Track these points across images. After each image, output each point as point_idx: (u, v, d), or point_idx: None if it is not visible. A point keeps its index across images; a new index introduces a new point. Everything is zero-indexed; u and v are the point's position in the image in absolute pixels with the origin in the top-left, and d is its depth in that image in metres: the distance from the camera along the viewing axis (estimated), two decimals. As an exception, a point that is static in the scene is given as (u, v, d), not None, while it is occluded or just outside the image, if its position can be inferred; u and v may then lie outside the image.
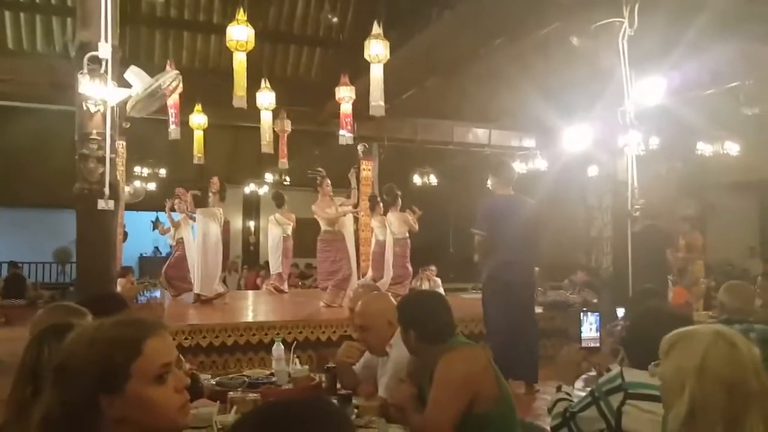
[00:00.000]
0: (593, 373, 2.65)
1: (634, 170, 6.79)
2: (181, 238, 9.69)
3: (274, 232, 10.63)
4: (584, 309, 2.65)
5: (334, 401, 2.63)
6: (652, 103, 7.43)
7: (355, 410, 2.60)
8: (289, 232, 10.58)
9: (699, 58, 8.01)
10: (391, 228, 9.27)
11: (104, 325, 1.33)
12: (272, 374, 3.27)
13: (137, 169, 14.51)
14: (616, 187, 6.96)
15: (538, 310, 8.29)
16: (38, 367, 1.64)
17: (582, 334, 2.56)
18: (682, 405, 1.40)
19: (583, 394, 2.35)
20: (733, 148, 10.74)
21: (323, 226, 8.31)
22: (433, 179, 14.68)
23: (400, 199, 9.42)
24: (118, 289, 10.93)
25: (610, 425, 2.16)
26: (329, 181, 8.45)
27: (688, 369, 1.42)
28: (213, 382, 3.18)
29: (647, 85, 7.22)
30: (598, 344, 2.57)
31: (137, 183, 14.50)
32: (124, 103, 5.91)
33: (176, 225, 9.84)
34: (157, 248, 19.35)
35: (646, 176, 7.13)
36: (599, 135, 7.61)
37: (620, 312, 4.12)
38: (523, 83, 11.59)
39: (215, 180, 8.96)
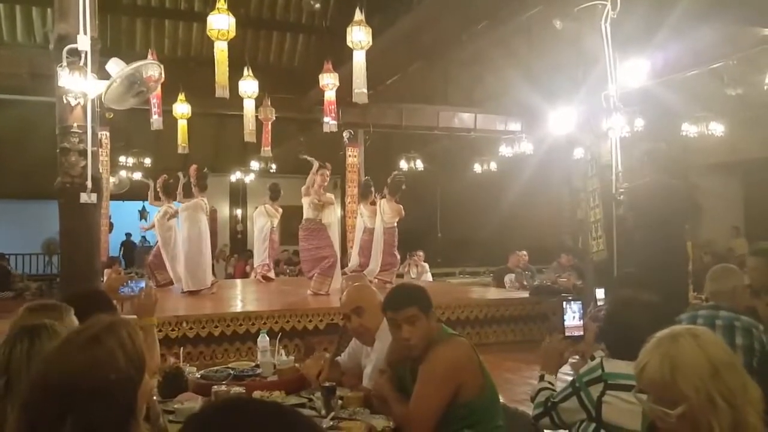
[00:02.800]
0: (578, 358, 2.66)
1: (618, 153, 6.80)
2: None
3: (261, 221, 10.60)
4: (568, 297, 2.63)
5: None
6: (635, 85, 7.44)
7: (340, 401, 2.61)
8: (276, 224, 10.55)
9: (682, 39, 8.01)
10: (383, 217, 9.27)
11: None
12: (257, 366, 3.27)
13: (122, 159, 14.39)
14: (601, 170, 6.97)
15: (524, 294, 8.35)
16: (10, 362, 1.68)
17: (565, 323, 2.56)
18: (722, 414, 1.40)
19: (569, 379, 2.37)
20: (717, 128, 10.80)
21: (306, 213, 8.29)
22: (419, 164, 14.66)
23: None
24: (104, 279, 10.95)
25: (590, 415, 2.19)
26: (326, 172, 8.47)
27: (705, 380, 1.41)
28: (198, 375, 3.18)
29: (631, 68, 7.22)
30: (581, 333, 2.57)
31: (122, 173, 14.38)
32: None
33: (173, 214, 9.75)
34: (144, 237, 19.23)
35: (630, 159, 7.15)
36: (583, 118, 7.62)
37: (599, 293, 4.09)
38: (508, 67, 11.59)
39: (191, 170, 8.86)
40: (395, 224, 9.24)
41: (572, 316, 2.59)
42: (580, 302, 2.64)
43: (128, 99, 5.72)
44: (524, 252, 10.87)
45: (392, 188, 9.25)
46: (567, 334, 2.57)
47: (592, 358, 2.45)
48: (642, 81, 7.54)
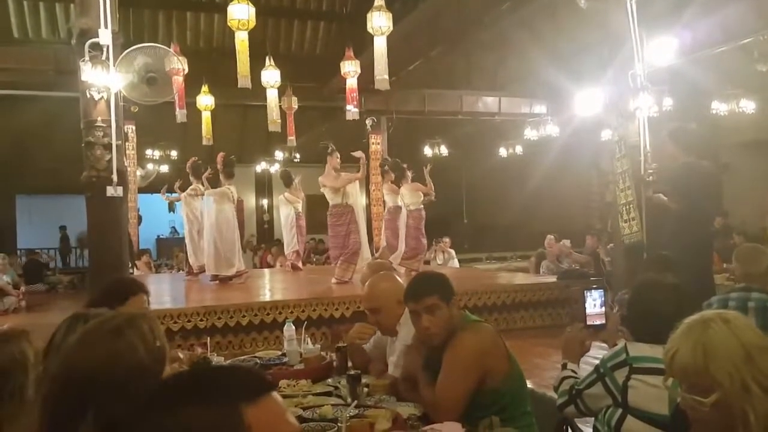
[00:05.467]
0: (603, 344, 2.59)
1: (646, 134, 6.66)
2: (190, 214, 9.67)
3: (285, 210, 10.63)
4: (591, 286, 2.55)
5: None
6: (663, 63, 7.28)
7: (366, 388, 2.60)
8: (300, 209, 10.51)
9: (711, 15, 7.81)
10: (404, 200, 9.22)
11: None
12: (284, 354, 3.28)
13: (149, 152, 14.55)
14: (630, 151, 6.82)
15: (552, 279, 8.27)
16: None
17: (586, 312, 2.50)
18: (757, 400, 1.35)
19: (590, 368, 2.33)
20: (748, 106, 10.55)
21: (331, 200, 8.26)
22: (443, 150, 14.58)
23: (408, 171, 9.33)
24: (135, 271, 11.10)
25: (616, 400, 2.14)
26: (338, 155, 8.33)
27: (739, 366, 1.37)
28: (225, 364, 3.19)
29: (658, 46, 7.07)
30: (603, 321, 2.50)
31: (149, 166, 14.54)
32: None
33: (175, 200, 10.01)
34: (174, 229, 19.48)
35: (659, 139, 7.01)
36: (610, 99, 7.48)
37: None
38: (532, 49, 11.43)
39: (218, 158, 8.92)
40: (420, 206, 9.12)
41: (593, 304, 2.51)
42: (601, 290, 2.56)
43: (142, 87, 5.73)
44: (559, 241, 10.65)
45: (397, 174, 9.26)
46: (588, 322, 2.50)
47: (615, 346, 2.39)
48: (670, 59, 7.38)
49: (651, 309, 2.16)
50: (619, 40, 6.86)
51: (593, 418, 2.36)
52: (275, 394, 0.86)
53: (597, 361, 2.38)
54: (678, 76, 8.96)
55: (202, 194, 9.17)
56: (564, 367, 2.46)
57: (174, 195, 10.37)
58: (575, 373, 2.42)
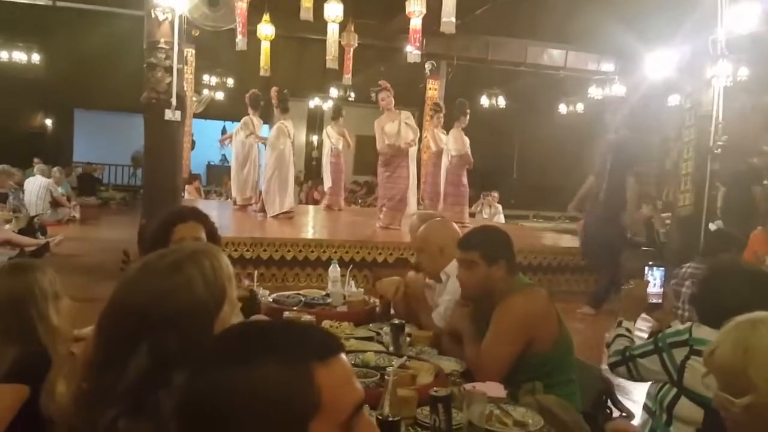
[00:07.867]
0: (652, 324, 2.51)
1: (720, 104, 6.34)
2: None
3: (326, 145, 10.34)
4: (650, 263, 2.46)
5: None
6: (744, 30, 6.88)
7: (408, 338, 2.58)
8: (341, 147, 10.04)
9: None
10: (448, 144, 9.01)
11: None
12: (328, 295, 3.29)
13: (205, 78, 14.59)
14: (700, 120, 6.53)
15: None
16: None
17: None
18: None
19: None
20: (830, 82, 9.93)
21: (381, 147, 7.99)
22: (501, 101, 14.23)
23: (467, 118, 9.02)
24: (185, 195, 11.30)
25: (672, 378, 2.09)
26: (386, 95, 7.87)
27: None
28: (270, 299, 3.22)
29: (740, 11, 6.66)
30: (660, 300, 2.42)
31: (205, 92, 14.61)
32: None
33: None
34: (224, 156, 19.68)
35: (730, 110, 6.68)
36: (684, 63, 7.13)
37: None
38: (605, 2, 10.92)
39: (272, 92, 8.66)
40: (462, 154, 8.86)
41: (653, 283, 2.43)
42: (662, 269, 2.47)
43: (204, 9, 5.68)
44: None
45: (457, 113, 8.92)
46: None
47: (668, 327, 2.31)
48: (751, 26, 6.95)
49: (720, 296, 2.07)
50: (698, 2, 6.49)
51: (644, 396, 2.31)
52: (343, 356, 0.85)
53: (642, 334, 2.31)
54: (757, 45, 8.46)
55: (253, 127, 9.11)
56: (619, 324, 2.40)
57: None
58: (629, 332, 2.36)
